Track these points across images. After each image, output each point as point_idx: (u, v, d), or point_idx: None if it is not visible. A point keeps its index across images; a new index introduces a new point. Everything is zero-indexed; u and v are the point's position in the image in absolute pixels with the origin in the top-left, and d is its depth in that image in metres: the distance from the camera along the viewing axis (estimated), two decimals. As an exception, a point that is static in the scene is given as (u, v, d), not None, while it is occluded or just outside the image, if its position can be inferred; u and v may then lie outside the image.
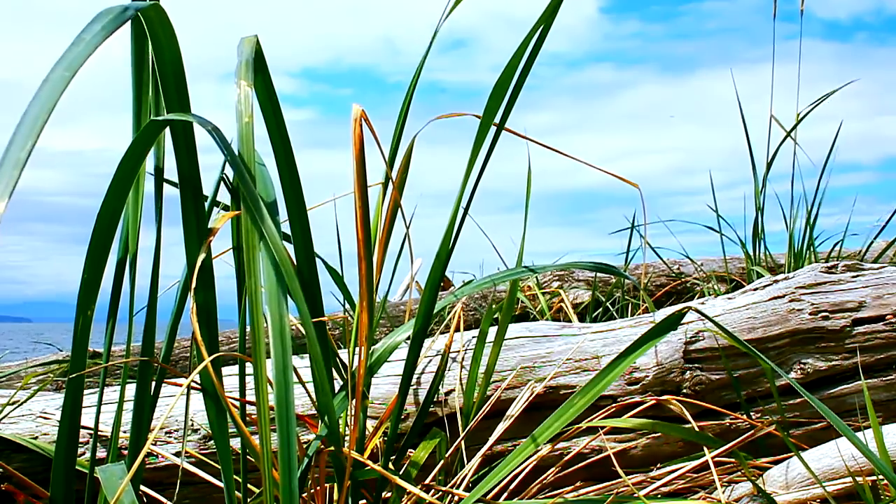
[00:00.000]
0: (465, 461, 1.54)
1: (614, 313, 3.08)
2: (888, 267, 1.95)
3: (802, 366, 1.77)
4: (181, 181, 1.03)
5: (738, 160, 3.17)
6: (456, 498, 1.44)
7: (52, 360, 2.91)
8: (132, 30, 1.08)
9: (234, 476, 1.15)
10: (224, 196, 1.29)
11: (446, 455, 1.52)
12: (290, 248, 1.17)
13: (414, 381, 1.67)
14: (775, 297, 1.84)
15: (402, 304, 3.26)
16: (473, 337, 1.78)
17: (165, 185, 1.12)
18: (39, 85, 0.68)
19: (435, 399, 1.64)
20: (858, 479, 1.40)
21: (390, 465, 1.41)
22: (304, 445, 1.48)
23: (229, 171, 1.18)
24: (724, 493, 1.48)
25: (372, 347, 1.41)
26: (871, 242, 3.31)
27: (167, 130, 1.03)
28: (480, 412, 1.62)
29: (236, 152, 0.89)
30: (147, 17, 0.91)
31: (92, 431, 1.44)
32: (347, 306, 1.59)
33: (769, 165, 3.12)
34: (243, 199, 0.83)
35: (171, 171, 1.08)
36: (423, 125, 1.37)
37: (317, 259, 1.19)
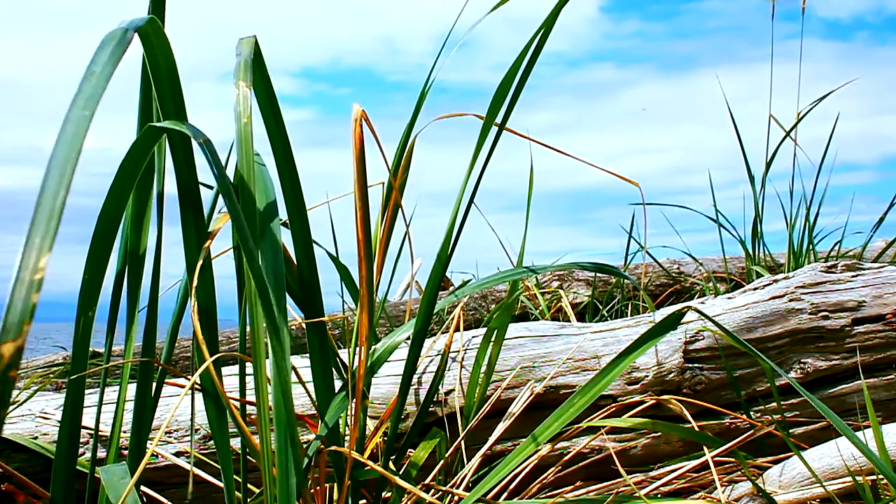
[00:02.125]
0: (465, 461, 1.54)
1: (607, 315, 3.08)
2: (888, 266, 1.95)
3: (802, 365, 1.77)
4: (179, 185, 1.03)
5: (739, 159, 3.17)
6: (456, 498, 1.44)
7: (51, 360, 2.91)
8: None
9: (234, 476, 1.15)
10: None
11: (446, 455, 1.52)
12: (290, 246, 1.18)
13: (414, 380, 1.67)
14: (775, 297, 1.84)
15: (402, 304, 3.26)
16: (473, 337, 1.78)
17: (167, 186, 1.12)
18: (61, 127, 0.64)
19: (435, 399, 1.64)
20: (858, 478, 1.40)
21: (390, 465, 1.41)
22: (304, 445, 1.48)
23: (230, 172, 1.18)
24: (723, 492, 1.48)
25: (372, 347, 1.41)
26: (868, 241, 3.31)
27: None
28: (480, 412, 1.62)
29: (235, 152, 0.89)
30: (141, 30, 0.91)
31: (92, 431, 1.45)
32: (350, 304, 1.59)
33: (768, 165, 3.12)
34: (231, 214, 0.83)
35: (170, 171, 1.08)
36: (423, 125, 1.37)
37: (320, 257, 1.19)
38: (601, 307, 3.13)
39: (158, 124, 0.95)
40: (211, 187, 1.24)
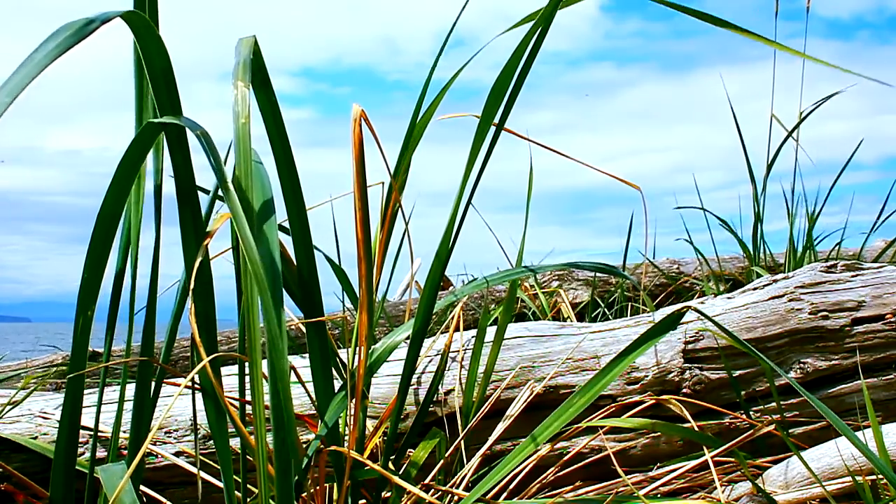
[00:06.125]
0: (465, 461, 1.54)
1: (609, 315, 3.08)
2: (887, 266, 1.95)
3: (802, 365, 1.77)
4: (177, 184, 1.03)
5: (740, 159, 3.17)
6: (455, 498, 1.44)
7: (51, 360, 2.91)
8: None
9: (234, 476, 1.15)
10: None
11: (446, 455, 1.52)
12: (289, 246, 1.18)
13: (414, 380, 1.67)
14: (775, 297, 1.84)
15: (402, 303, 3.26)
16: (473, 337, 1.78)
17: (166, 185, 1.12)
18: None
19: (435, 399, 1.64)
20: (858, 478, 1.40)
21: (390, 465, 1.41)
22: (304, 445, 1.48)
23: (229, 171, 1.18)
24: (723, 492, 1.48)
25: (372, 347, 1.41)
26: (865, 241, 3.30)
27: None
28: (480, 412, 1.62)
29: (234, 152, 0.89)
30: (133, 25, 0.91)
31: (91, 431, 1.45)
32: (349, 305, 1.59)
33: (769, 166, 3.12)
34: (231, 209, 0.83)
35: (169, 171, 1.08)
36: (423, 125, 1.37)
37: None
38: (603, 304, 3.13)
39: (156, 120, 0.95)
40: (208, 192, 1.24)
